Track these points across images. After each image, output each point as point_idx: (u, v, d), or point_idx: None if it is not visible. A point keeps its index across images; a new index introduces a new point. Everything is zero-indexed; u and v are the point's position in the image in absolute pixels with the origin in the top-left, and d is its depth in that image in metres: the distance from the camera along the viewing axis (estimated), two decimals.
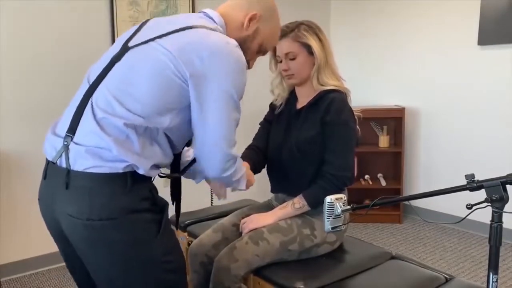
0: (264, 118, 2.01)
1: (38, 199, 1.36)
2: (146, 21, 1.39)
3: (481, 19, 3.28)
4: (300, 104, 1.84)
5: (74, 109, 1.26)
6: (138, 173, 1.21)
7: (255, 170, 1.88)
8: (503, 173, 1.14)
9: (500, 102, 3.29)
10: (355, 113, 1.76)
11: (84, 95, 1.26)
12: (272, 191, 1.94)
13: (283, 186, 1.87)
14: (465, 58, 3.46)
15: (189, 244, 1.93)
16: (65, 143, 1.22)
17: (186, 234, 2.12)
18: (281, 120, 1.89)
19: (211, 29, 1.30)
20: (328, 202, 1.45)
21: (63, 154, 1.22)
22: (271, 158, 1.90)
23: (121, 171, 1.19)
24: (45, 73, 2.81)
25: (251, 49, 1.43)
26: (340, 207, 1.45)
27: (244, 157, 1.89)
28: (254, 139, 2.00)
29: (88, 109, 1.23)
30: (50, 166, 1.28)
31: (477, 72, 3.40)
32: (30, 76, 2.78)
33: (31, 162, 2.74)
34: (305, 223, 1.73)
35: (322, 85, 1.75)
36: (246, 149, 1.96)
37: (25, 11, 2.73)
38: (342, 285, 1.59)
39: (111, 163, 1.18)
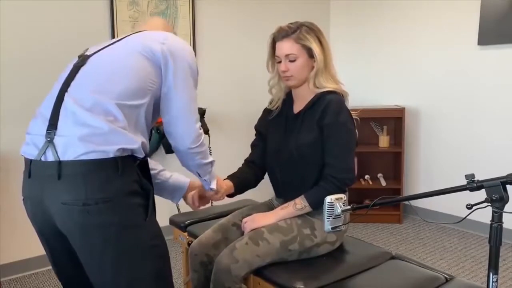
0: (256, 130, 1.97)
1: (23, 199, 1.39)
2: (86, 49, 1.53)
3: (481, 19, 3.28)
4: (297, 107, 1.83)
5: (50, 110, 1.33)
6: (127, 157, 1.29)
7: (242, 188, 1.88)
8: (503, 173, 1.14)
9: (500, 102, 3.29)
10: (353, 115, 1.76)
11: (57, 98, 1.34)
12: (276, 196, 1.93)
13: (285, 192, 1.85)
14: (465, 58, 3.46)
15: (189, 244, 1.93)
16: (48, 139, 1.28)
17: (186, 234, 2.12)
18: (278, 124, 1.86)
19: None
20: (328, 202, 1.45)
21: (48, 149, 1.27)
22: (271, 164, 1.88)
23: (111, 155, 1.25)
24: (45, 73, 2.79)
25: None
26: (340, 207, 1.45)
27: (232, 176, 1.88)
28: (250, 153, 1.97)
29: (68, 104, 1.31)
30: (33, 164, 1.32)
31: (477, 72, 3.40)
32: (30, 76, 2.78)
33: None
34: (305, 223, 1.72)
35: (318, 87, 1.74)
36: (242, 164, 1.95)
37: (25, 11, 2.73)
38: (342, 285, 1.59)
39: (102, 146, 1.25)
